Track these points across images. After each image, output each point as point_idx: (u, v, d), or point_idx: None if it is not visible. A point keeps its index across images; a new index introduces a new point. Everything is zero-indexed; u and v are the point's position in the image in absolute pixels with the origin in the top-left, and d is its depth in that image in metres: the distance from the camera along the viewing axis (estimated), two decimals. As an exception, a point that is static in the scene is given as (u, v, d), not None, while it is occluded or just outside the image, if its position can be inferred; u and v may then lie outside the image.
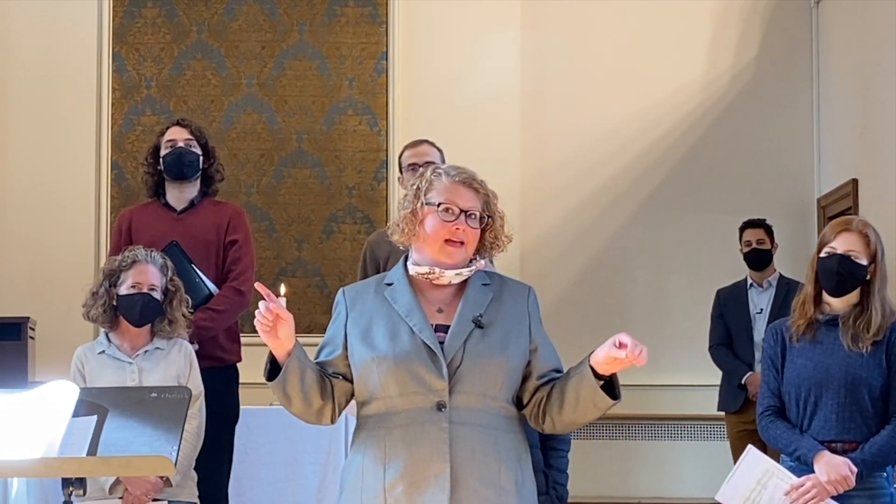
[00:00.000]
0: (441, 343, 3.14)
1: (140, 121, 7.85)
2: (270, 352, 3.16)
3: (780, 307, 6.65)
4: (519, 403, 3.24)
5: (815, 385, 4.07)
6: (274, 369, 3.17)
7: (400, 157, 5.14)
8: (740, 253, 6.96)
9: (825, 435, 4.05)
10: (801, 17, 7.94)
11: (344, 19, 7.93)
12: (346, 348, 3.21)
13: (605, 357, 3.07)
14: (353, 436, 3.26)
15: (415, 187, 3.27)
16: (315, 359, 3.25)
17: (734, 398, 6.74)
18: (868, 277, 4.08)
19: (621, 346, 3.04)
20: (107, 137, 7.84)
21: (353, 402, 3.29)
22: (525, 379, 3.22)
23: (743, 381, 6.68)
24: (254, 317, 3.16)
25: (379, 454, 3.13)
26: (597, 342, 3.13)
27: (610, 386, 3.13)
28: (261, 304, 3.10)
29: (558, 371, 3.24)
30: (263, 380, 3.20)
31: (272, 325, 3.10)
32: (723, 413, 6.93)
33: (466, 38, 7.94)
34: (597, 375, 3.10)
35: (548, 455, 4.23)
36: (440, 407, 3.10)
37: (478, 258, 3.27)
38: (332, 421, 3.24)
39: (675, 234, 7.87)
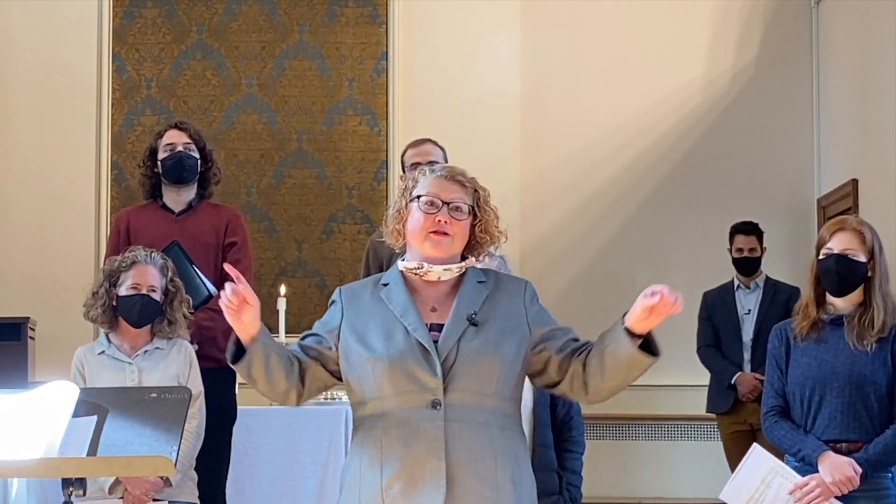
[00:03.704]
0: (435, 342, 3.14)
1: (140, 121, 7.85)
2: (234, 334, 3.16)
3: (769, 308, 6.68)
4: (530, 381, 3.25)
5: (819, 384, 4.07)
6: (241, 351, 3.17)
7: (403, 156, 5.13)
8: (728, 253, 6.95)
9: (829, 434, 4.05)
10: (801, 17, 7.94)
11: (344, 19, 7.93)
12: (336, 344, 3.22)
13: (640, 310, 3.01)
14: (352, 436, 3.27)
15: (403, 188, 3.29)
16: (301, 339, 3.28)
17: (723, 399, 6.75)
18: (869, 274, 4.08)
19: (654, 295, 2.99)
20: (107, 137, 7.84)
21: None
22: (546, 362, 3.20)
23: (732, 382, 6.68)
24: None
25: (376, 454, 3.13)
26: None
27: (646, 345, 3.08)
28: (227, 285, 3.10)
29: (576, 339, 3.23)
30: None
31: (237, 308, 3.10)
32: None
33: (466, 38, 7.94)
34: (633, 337, 3.06)
35: (562, 457, 4.23)
36: (435, 405, 3.10)
37: (470, 256, 3.28)
38: (297, 403, 3.25)
39: (674, 233, 7.86)
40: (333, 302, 3.29)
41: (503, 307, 3.22)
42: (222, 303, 3.09)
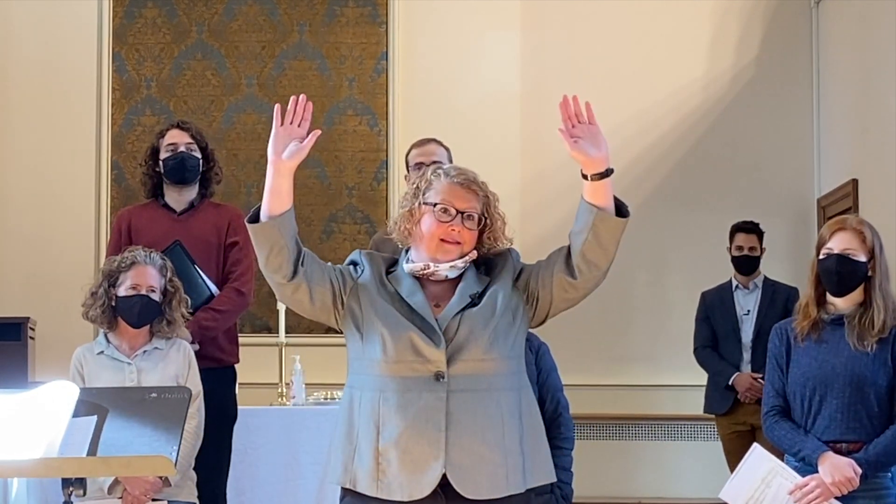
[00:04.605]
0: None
1: (140, 121, 7.85)
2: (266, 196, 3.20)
3: (768, 308, 6.67)
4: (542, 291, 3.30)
5: (819, 384, 4.07)
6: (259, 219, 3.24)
7: (407, 155, 5.13)
8: (727, 252, 6.94)
9: (830, 434, 4.05)
10: (801, 17, 7.94)
11: (344, 19, 7.93)
12: (351, 288, 3.27)
13: (572, 151, 3.26)
14: (346, 396, 3.29)
15: (414, 186, 3.33)
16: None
17: (721, 400, 6.73)
18: (869, 274, 4.08)
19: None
20: (107, 137, 7.84)
21: None
22: (550, 283, 3.26)
23: (730, 383, 6.67)
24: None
25: (373, 418, 3.19)
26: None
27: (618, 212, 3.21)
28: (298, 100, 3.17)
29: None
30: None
31: (291, 127, 3.14)
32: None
33: (466, 38, 7.94)
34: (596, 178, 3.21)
35: (552, 453, 4.23)
36: (439, 377, 3.16)
37: (473, 251, 3.33)
38: (285, 279, 3.25)
39: (674, 233, 7.86)
40: (354, 262, 3.35)
41: (496, 279, 3.30)
42: (279, 121, 3.13)
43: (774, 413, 4.17)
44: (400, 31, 7.89)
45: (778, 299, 6.73)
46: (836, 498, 4.00)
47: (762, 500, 4.09)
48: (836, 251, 4.07)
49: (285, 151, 3.16)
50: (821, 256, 4.10)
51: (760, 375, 6.49)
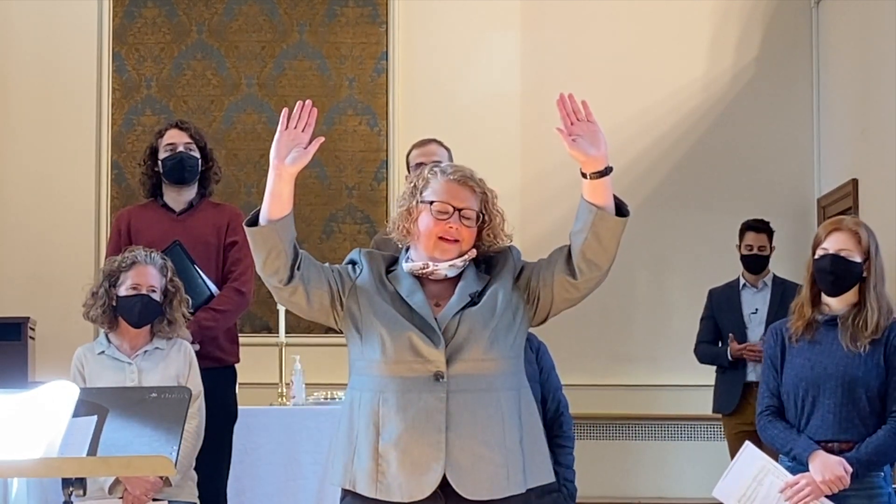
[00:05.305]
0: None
1: (140, 121, 7.85)
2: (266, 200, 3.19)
3: (779, 306, 6.65)
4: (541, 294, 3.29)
5: (812, 385, 4.08)
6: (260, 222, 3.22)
7: (408, 156, 5.13)
8: (737, 250, 6.94)
9: (822, 434, 4.06)
10: (801, 17, 7.94)
11: (344, 19, 7.93)
12: (350, 289, 3.26)
13: (570, 150, 3.22)
14: (347, 397, 3.30)
15: (412, 185, 3.33)
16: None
17: (729, 399, 6.71)
18: (864, 275, 4.08)
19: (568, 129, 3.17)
20: (107, 137, 7.84)
21: None
22: (551, 283, 3.25)
23: (730, 357, 6.64)
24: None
25: (372, 418, 3.18)
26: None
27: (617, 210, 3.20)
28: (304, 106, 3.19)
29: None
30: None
31: (293, 133, 3.16)
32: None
33: (466, 38, 7.94)
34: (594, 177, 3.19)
35: (554, 452, 4.25)
36: (438, 377, 3.15)
37: (472, 249, 3.33)
38: (282, 283, 3.24)
39: (675, 233, 7.86)
40: (353, 261, 3.35)
41: (496, 278, 3.29)
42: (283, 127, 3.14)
43: (769, 413, 4.18)
44: (400, 31, 7.90)
45: (788, 297, 6.69)
46: (830, 497, 4.01)
47: (754, 498, 4.10)
48: (831, 251, 4.08)
49: (288, 157, 3.16)
50: (816, 256, 4.11)
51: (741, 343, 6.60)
